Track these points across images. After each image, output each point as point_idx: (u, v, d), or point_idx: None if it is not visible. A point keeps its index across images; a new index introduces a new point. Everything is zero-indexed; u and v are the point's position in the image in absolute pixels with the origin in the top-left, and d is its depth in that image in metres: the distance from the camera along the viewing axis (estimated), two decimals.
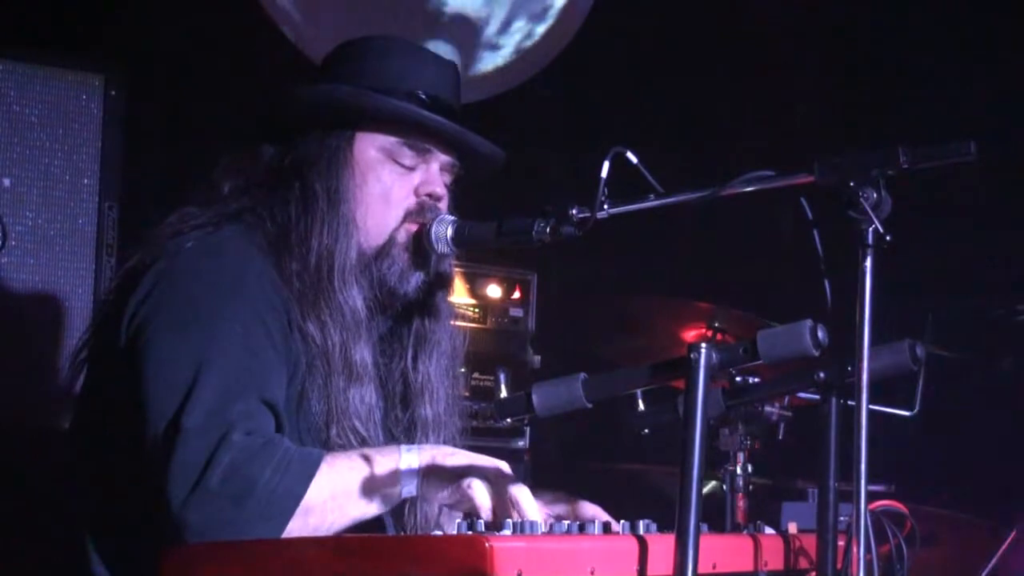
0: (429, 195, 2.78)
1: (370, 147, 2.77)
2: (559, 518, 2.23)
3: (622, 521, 2.22)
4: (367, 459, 2.47)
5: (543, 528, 2.12)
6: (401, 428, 2.81)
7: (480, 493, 2.38)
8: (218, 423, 2.41)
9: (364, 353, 2.69)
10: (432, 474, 2.46)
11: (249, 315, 2.56)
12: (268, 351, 2.56)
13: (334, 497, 2.42)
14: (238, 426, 2.41)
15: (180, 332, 2.51)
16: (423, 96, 2.78)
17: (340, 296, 2.67)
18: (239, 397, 2.46)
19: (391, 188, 2.76)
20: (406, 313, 2.83)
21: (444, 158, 2.81)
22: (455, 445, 2.85)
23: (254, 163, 2.78)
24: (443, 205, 2.80)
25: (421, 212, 2.77)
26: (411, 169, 2.78)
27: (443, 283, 2.86)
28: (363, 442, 2.65)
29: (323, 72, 2.86)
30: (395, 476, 2.46)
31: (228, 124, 2.85)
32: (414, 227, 2.76)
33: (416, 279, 2.78)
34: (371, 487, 2.44)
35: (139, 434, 2.46)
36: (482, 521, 2.08)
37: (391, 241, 2.76)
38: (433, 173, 2.80)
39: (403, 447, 2.51)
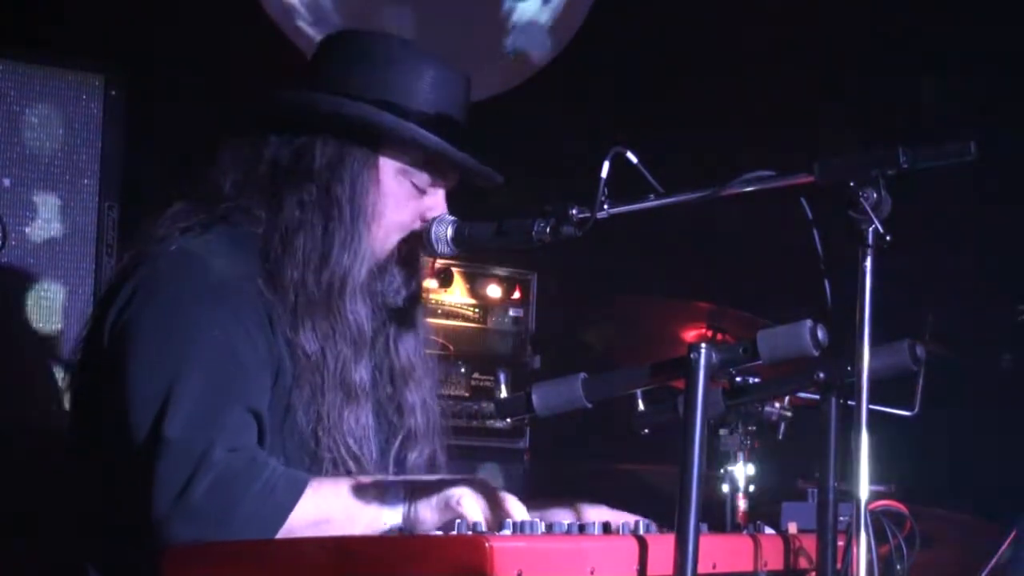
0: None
1: (391, 167, 2.73)
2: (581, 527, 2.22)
3: (623, 521, 2.22)
4: (353, 485, 2.44)
5: (542, 528, 2.12)
6: (393, 407, 2.79)
7: (470, 507, 2.34)
8: (201, 436, 2.39)
9: (363, 373, 2.67)
10: (418, 496, 2.42)
11: (230, 320, 2.53)
12: (250, 357, 2.53)
13: (317, 523, 2.39)
14: (221, 440, 2.39)
15: (160, 339, 2.49)
16: (444, 117, 2.73)
17: (350, 314, 2.64)
18: (222, 407, 2.44)
19: (404, 211, 2.74)
20: (388, 311, 2.81)
21: (451, 181, 2.81)
22: (442, 428, 2.84)
23: (255, 161, 2.72)
24: None
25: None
26: (422, 192, 2.77)
27: (421, 279, 2.85)
28: (355, 459, 2.63)
29: (325, 66, 2.79)
30: (380, 503, 2.42)
31: (229, 124, 2.83)
32: (406, 247, 2.76)
33: (408, 290, 2.78)
34: (355, 514, 2.42)
35: (121, 443, 2.44)
36: (482, 521, 2.08)
37: (391, 257, 2.75)
38: (441, 199, 2.78)
39: (389, 476, 2.50)
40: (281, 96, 2.78)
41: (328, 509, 2.41)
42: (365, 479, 2.48)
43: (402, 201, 2.74)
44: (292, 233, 2.65)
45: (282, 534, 2.37)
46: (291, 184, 2.68)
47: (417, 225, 2.75)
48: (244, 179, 2.71)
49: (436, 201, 2.78)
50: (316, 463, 2.60)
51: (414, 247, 2.76)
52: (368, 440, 2.67)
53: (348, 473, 2.60)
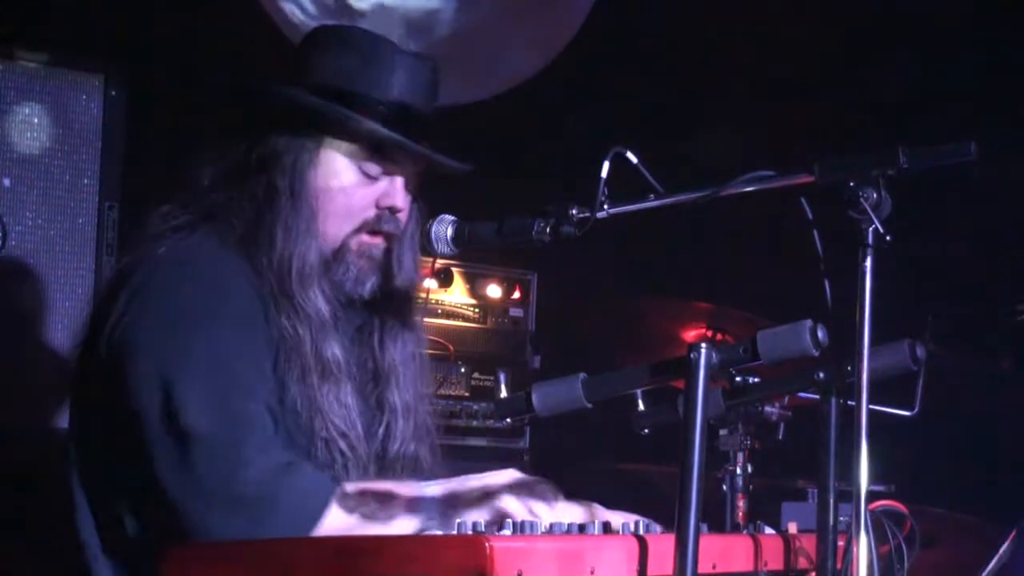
0: (389, 208, 2.77)
1: (337, 152, 2.75)
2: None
3: (622, 521, 2.22)
4: (387, 489, 2.49)
5: (543, 528, 2.12)
6: (370, 413, 2.80)
7: (517, 511, 2.40)
8: (232, 434, 2.43)
9: (335, 350, 2.69)
10: (452, 504, 2.46)
11: (232, 318, 2.58)
12: (256, 351, 2.57)
13: (349, 527, 2.42)
14: (251, 439, 2.44)
15: (170, 341, 2.52)
16: (398, 106, 2.74)
17: (300, 297, 2.67)
18: (245, 401, 2.48)
19: (353, 197, 2.75)
20: (373, 307, 2.82)
21: (409, 170, 2.81)
22: (428, 431, 2.85)
23: (224, 158, 2.76)
24: (402, 216, 2.80)
25: (378, 223, 2.77)
26: (375, 179, 2.77)
27: (409, 283, 2.86)
28: (343, 436, 2.65)
29: (300, 58, 2.83)
30: (414, 506, 2.46)
31: (203, 129, 2.86)
32: (368, 239, 2.76)
33: (371, 283, 2.77)
34: (389, 517, 2.45)
35: (140, 444, 2.46)
36: (482, 521, 2.08)
37: (344, 248, 2.75)
38: (397, 186, 2.79)
39: (422, 482, 2.53)
40: (234, 91, 2.85)
41: (362, 512, 2.45)
42: (401, 483, 2.53)
43: (350, 187, 2.75)
44: (252, 226, 2.69)
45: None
46: (247, 180, 2.73)
47: (371, 214, 2.76)
48: (215, 180, 2.75)
49: (391, 188, 2.78)
50: (311, 444, 2.62)
51: (384, 245, 2.77)
52: (354, 420, 2.69)
53: (341, 453, 2.64)
